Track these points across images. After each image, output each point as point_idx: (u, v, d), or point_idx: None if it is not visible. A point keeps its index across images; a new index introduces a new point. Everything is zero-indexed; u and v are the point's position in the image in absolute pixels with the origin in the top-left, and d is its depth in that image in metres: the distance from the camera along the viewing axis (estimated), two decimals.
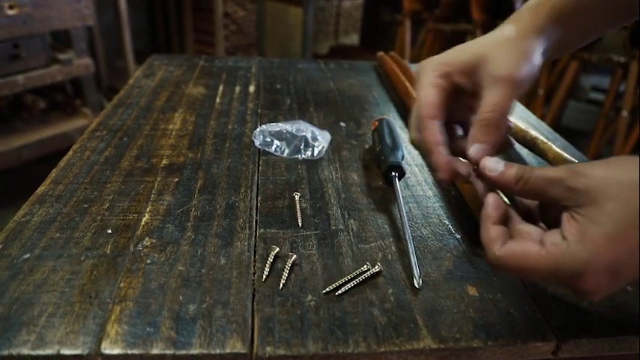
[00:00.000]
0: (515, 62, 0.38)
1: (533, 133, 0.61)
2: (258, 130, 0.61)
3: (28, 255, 0.40)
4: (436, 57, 0.42)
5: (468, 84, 0.41)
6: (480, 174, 0.37)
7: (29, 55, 1.67)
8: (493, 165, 0.36)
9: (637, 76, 2.02)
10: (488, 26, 2.44)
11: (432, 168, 0.57)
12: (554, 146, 0.57)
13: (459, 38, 2.81)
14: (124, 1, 2.07)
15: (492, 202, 0.35)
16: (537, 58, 0.40)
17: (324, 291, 0.38)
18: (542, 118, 2.34)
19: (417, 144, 0.44)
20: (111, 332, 0.33)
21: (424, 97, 0.40)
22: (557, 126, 2.50)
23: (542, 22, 0.41)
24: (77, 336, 0.33)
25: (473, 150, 0.38)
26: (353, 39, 3.38)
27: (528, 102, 2.46)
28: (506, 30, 0.41)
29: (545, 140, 0.59)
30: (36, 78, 1.70)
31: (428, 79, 0.41)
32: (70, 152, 0.57)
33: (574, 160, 0.52)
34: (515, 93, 0.38)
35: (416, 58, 2.80)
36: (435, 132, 0.40)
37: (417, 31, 2.72)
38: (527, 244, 0.32)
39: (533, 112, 2.31)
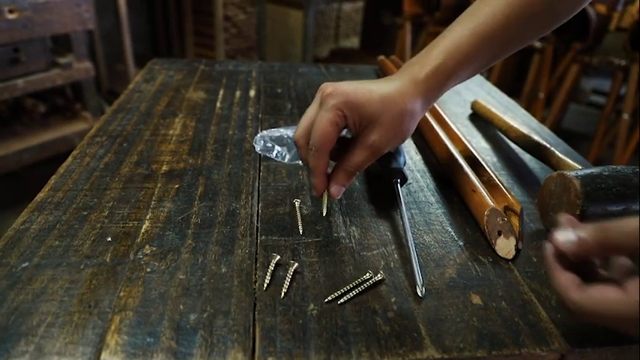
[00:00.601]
0: (393, 138, 0.45)
1: (536, 138, 0.61)
2: (258, 135, 0.61)
3: (26, 264, 0.40)
4: (344, 96, 0.44)
5: (352, 128, 0.46)
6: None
7: (29, 59, 1.67)
8: (563, 238, 0.34)
9: (637, 79, 2.02)
10: None
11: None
12: (556, 152, 0.56)
13: None
14: (124, 5, 2.08)
15: (554, 251, 0.34)
16: (412, 130, 0.46)
17: (326, 300, 0.37)
18: (542, 121, 2.33)
19: (299, 146, 0.48)
20: (110, 343, 0.33)
21: (323, 133, 0.44)
22: (558, 129, 2.49)
23: (434, 92, 0.46)
24: (76, 346, 0.33)
25: (334, 189, 0.46)
26: (353, 42, 3.38)
27: (529, 105, 2.46)
28: (404, 97, 0.45)
29: (548, 146, 0.58)
30: (36, 82, 1.70)
31: (330, 116, 0.43)
32: (70, 158, 0.57)
33: (577, 165, 0.52)
34: (374, 159, 0.46)
35: None
36: (323, 162, 0.45)
37: (417, 34, 2.72)
38: (607, 289, 0.31)
39: (534, 115, 2.31)
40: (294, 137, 0.48)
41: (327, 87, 0.45)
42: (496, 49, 0.47)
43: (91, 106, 1.95)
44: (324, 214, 0.48)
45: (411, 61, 0.48)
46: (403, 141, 0.47)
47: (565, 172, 0.46)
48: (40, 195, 0.49)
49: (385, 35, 3.17)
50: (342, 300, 0.37)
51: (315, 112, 0.45)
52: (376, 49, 3.09)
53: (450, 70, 0.46)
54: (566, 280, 0.33)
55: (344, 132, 0.48)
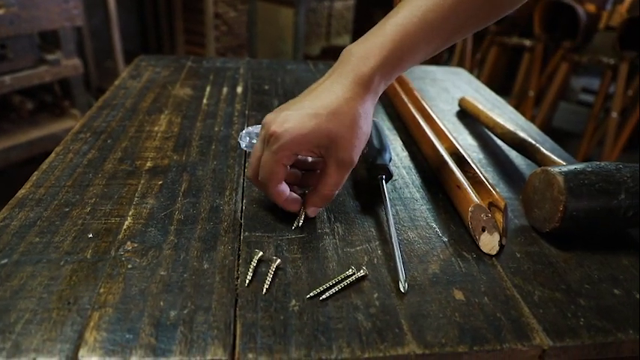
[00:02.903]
0: (357, 146, 0.44)
1: (522, 134, 0.61)
2: (244, 131, 0.61)
3: (5, 260, 0.39)
4: (288, 134, 0.42)
5: (312, 154, 0.45)
6: None
7: (16, 56, 1.65)
8: None
9: (626, 77, 2.04)
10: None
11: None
12: (542, 148, 0.57)
13: None
14: (113, 2, 2.06)
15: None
16: (370, 124, 0.46)
17: (308, 296, 0.37)
18: (532, 119, 2.35)
19: (254, 184, 0.47)
20: (89, 339, 0.33)
21: (271, 174, 0.44)
22: (548, 127, 2.51)
23: (378, 85, 0.45)
24: (54, 343, 0.32)
25: (311, 211, 0.46)
26: (345, 40, 3.37)
27: (519, 104, 2.47)
28: (348, 102, 0.43)
29: (534, 142, 0.58)
30: (23, 79, 1.68)
31: (277, 158, 0.43)
32: (53, 155, 0.56)
33: (562, 162, 0.52)
34: (349, 172, 0.45)
35: None
36: (278, 193, 0.45)
37: None
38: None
39: (524, 113, 2.32)
40: (247, 176, 0.48)
41: (270, 124, 0.43)
42: (443, 36, 0.46)
43: (79, 104, 1.93)
44: (296, 227, 0.46)
45: (351, 51, 0.45)
46: (367, 140, 0.46)
47: (549, 169, 0.46)
48: (22, 191, 0.49)
49: None
50: (324, 296, 0.37)
51: (261, 151, 0.44)
52: None
53: (396, 61, 0.44)
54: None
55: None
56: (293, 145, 0.42)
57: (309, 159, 0.49)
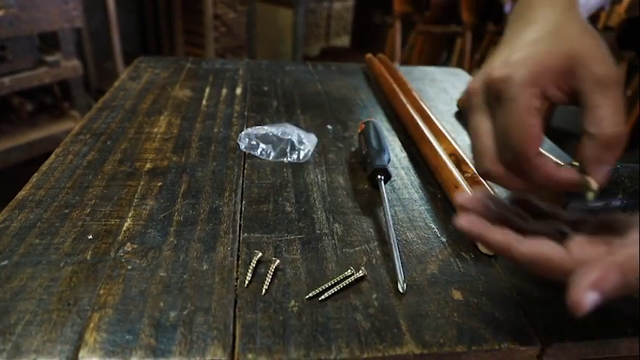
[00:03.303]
0: (605, 54, 0.32)
1: None
2: (243, 133, 0.61)
3: (5, 262, 0.39)
4: (524, 69, 0.32)
5: (560, 96, 0.33)
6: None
7: (16, 57, 1.65)
8: (461, 195, 0.36)
9: (625, 77, 2.04)
10: (477, 28, 2.45)
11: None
12: (540, 148, 0.57)
13: (449, 40, 2.83)
14: (112, 3, 2.06)
15: (469, 220, 0.34)
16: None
17: (307, 296, 0.37)
18: None
19: (492, 176, 0.35)
20: (89, 340, 0.33)
21: (527, 130, 0.31)
22: (547, 127, 2.51)
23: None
24: (54, 344, 0.32)
25: (597, 173, 0.32)
26: (344, 41, 3.38)
27: None
28: (564, 15, 0.34)
29: None
30: (23, 80, 1.69)
31: (525, 102, 0.31)
32: (53, 156, 0.56)
33: (558, 161, 0.52)
34: (619, 90, 0.32)
35: (406, 60, 2.81)
36: (550, 168, 0.33)
37: (407, 33, 2.73)
38: (549, 246, 0.31)
39: None
40: (481, 170, 0.36)
41: (491, 73, 0.33)
42: None
43: (79, 105, 1.93)
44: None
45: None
46: (607, 50, 0.33)
47: None
48: (22, 193, 0.49)
49: (375, 34, 3.17)
50: (323, 297, 0.37)
51: (489, 120, 0.34)
52: (367, 47, 3.10)
53: None
54: (503, 239, 0.31)
55: None
56: (534, 79, 0.32)
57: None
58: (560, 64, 0.32)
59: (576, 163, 0.33)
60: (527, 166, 0.33)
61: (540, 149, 0.33)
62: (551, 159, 0.34)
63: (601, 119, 0.31)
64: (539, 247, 0.31)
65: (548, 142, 0.70)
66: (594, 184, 0.32)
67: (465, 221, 0.33)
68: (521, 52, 0.33)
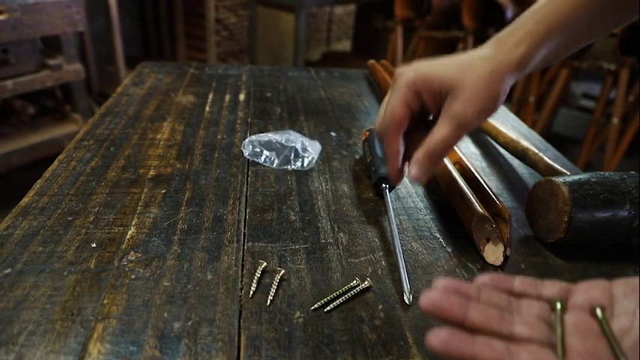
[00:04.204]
0: (479, 104, 0.40)
1: (525, 143, 0.61)
2: (247, 140, 0.61)
3: (9, 270, 0.39)
4: (413, 72, 0.42)
5: (431, 107, 0.43)
6: None
7: (18, 61, 1.66)
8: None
9: (627, 83, 2.04)
10: (479, 33, 2.45)
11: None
12: (545, 157, 0.57)
13: (451, 45, 2.83)
14: (115, 7, 2.07)
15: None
16: (503, 97, 0.41)
17: (312, 307, 0.37)
18: (533, 125, 2.35)
19: (379, 137, 0.46)
20: (93, 351, 0.32)
21: (393, 113, 0.42)
22: (548, 133, 2.51)
23: (522, 56, 0.41)
24: (58, 355, 0.32)
25: (413, 171, 0.42)
26: (345, 45, 3.39)
27: (519, 109, 2.47)
28: (485, 61, 0.41)
29: (537, 151, 0.58)
30: (25, 83, 1.69)
31: (400, 95, 0.42)
32: (56, 162, 0.56)
33: (565, 171, 0.52)
34: (465, 133, 0.41)
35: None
36: (395, 144, 0.43)
37: (408, 37, 2.73)
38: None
39: (524, 119, 2.33)
40: (375, 129, 0.47)
41: (401, 67, 0.44)
42: (585, 25, 0.43)
43: (81, 108, 1.93)
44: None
45: (496, 35, 0.44)
46: (495, 110, 0.41)
47: (553, 179, 0.46)
48: (25, 200, 0.49)
49: (377, 39, 3.17)
50: (328, 308, 0.37)
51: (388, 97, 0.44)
52: (368, 52, 3.10)
53: (536, 40, 0.41)
54: (492, 356, 0.25)
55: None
56: (417, 80, 0.41)
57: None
58: (441, 84, 0.41)
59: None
60: (386, 139, 0.44)
61: (401, 132, 0.43)
62: (402, 148, 0.44)
63: (434, 136, 0.41)
64: None
65: (552, 149, 0.69)
66: (410, 173, 0.42)
67: (437, 341, 0.26)
68: (427, 64, 0.42)
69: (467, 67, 0.41)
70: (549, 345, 0.26)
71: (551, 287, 0.30)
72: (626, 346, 0.26)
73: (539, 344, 0.26)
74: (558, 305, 0.28)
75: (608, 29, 0.46)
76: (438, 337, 0.26)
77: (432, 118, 0.46)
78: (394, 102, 0.42)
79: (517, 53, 0.41)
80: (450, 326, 0.27)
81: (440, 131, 0.41)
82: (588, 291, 0.29)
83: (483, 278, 0.30)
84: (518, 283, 0.30)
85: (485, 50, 0.43)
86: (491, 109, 0.41)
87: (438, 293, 0.28)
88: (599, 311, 0.27)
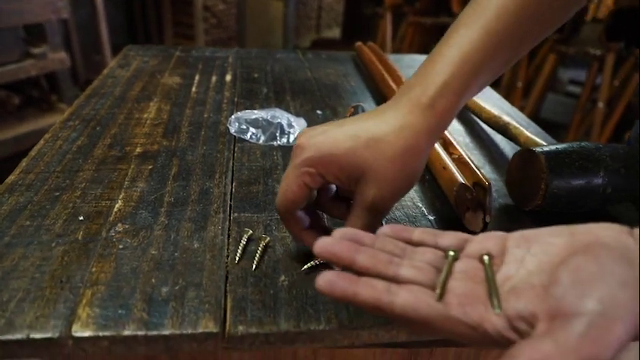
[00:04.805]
0: (395, 188, 0.36)
1: (506, 118, 0.62)
2: (233, 117, 0.61)
3: None
4: (314, 151, 0.36)
5: (339, 185, 0.38)
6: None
7: (1, 50, 1.63)
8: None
9: (612, 68, 2.06)
10: None
11: None
12: (525, 131, 0.58)
13: (440, 31, 2.84)
14: None
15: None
16: (421, 168, 0.37)
17: (297, 271, 0.38)
18: (521, 110, 2.37)
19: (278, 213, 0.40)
20: (82, 315, 0.33)
21: (285, 195, 0.37)
22: (536, 118, 2.53)
23: (442, 116, 0.37)
24: (47, 320, 0.33)
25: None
26: (335, 32, 3.38)
27: (507, 95, 2.50)
28: (398, 135, 0.36)
29: (517, 125, 0.60)
30: (9, 73, 1.67)
31: (297, 174, 0.36)
32: (42, 141, 0.56)
33: (544, 143, 0.53)
34: (383, 217, 0.38)
35: (397, 52, 2.82)
36: (293, 226, 0.39)
37: (398, 24, 2.74)
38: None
39: (512, 104, 2.34)
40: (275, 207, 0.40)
41: (301, 136, 0.37)
42: (509, 52, 0.38)
43: (67, 98, 1.92)
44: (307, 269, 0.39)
45: (408, 83, 0.38)
46: (412, 186, 0.38)
47: (531, 148, 0.47)
48: (11, 177, 0.49)
49: (366, 25, 3.17)
50: (305, 267, 0.38)
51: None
52: (357, 39, 3.09)
53: (460, 86, 0.36)
54: (371, 294, 0.27)
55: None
56: (318, 163, 0.36)
57: None
58: (350, 169, 0.35)
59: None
60: (281, 218, 0.39)
61: (297, 209, 0.38)
62: (302, 220, 0.39)
63: (350, 223, 0.37)
64: (413, 302, 0.27)
65: (534, 125, 0.71)
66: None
67: (323, 282, 0.27)
68: (332, 136, 0.36)
69: (377, 144, 0.35)
70: (432, 287, 0.28)
71: (449, 238, 0.32)
72: (505, 290, 0.27)
73: (422, 286, 0.28)
74: (451, 253, 0.30)
75: (536, 41, 0.41)
76: (324, 279, 0.27)
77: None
78: (288, 183, 0.37)
79: (435, 114, 0.36)
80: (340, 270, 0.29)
81: (357, 222, 0.36)
82: (483, 242, 0.30)
83: (383, 228, 0.32)
84: (418, 233, 0.32)
85: (397, 114, 0.37)
86: (410, 186, 0.38)
87: (332, 240, 0.30)
88: (485, 258, 0.29)
